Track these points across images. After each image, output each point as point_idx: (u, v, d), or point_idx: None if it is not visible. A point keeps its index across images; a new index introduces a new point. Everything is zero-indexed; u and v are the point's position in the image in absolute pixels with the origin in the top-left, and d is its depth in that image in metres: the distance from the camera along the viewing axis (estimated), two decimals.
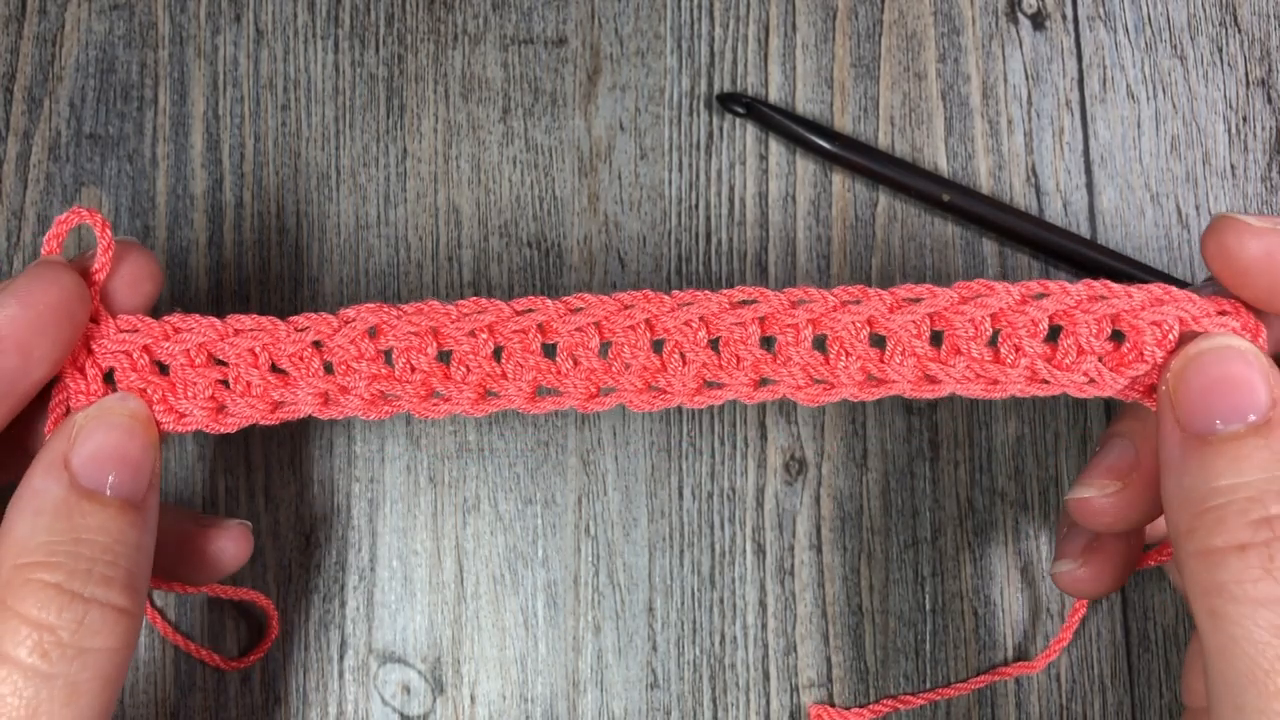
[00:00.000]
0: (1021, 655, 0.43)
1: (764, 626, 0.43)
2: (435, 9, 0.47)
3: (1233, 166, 0.46)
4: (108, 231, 0.33)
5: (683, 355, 0.34)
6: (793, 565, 0.43)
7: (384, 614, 0.43)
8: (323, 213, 0.45)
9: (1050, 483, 0.44)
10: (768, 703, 0.42)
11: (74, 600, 0.29)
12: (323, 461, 0.44)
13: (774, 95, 0.46)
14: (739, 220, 0.45)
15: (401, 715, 0.42)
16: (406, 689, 0.42)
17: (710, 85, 0.46)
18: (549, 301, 0.34)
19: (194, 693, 0.42)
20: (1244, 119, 0.46)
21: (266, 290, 0.45)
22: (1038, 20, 0.47)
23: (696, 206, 0.45)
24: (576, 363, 0.34)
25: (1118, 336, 0.33)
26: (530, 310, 0.34)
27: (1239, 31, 0.47)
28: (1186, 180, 0.46)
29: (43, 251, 0.33)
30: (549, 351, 0.34)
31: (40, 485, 0.30)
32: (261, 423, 0.34)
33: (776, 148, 0.46)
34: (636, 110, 0.46)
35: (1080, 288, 0.32)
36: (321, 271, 0.45)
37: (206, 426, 0.34)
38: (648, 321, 0.34)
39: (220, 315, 0.34)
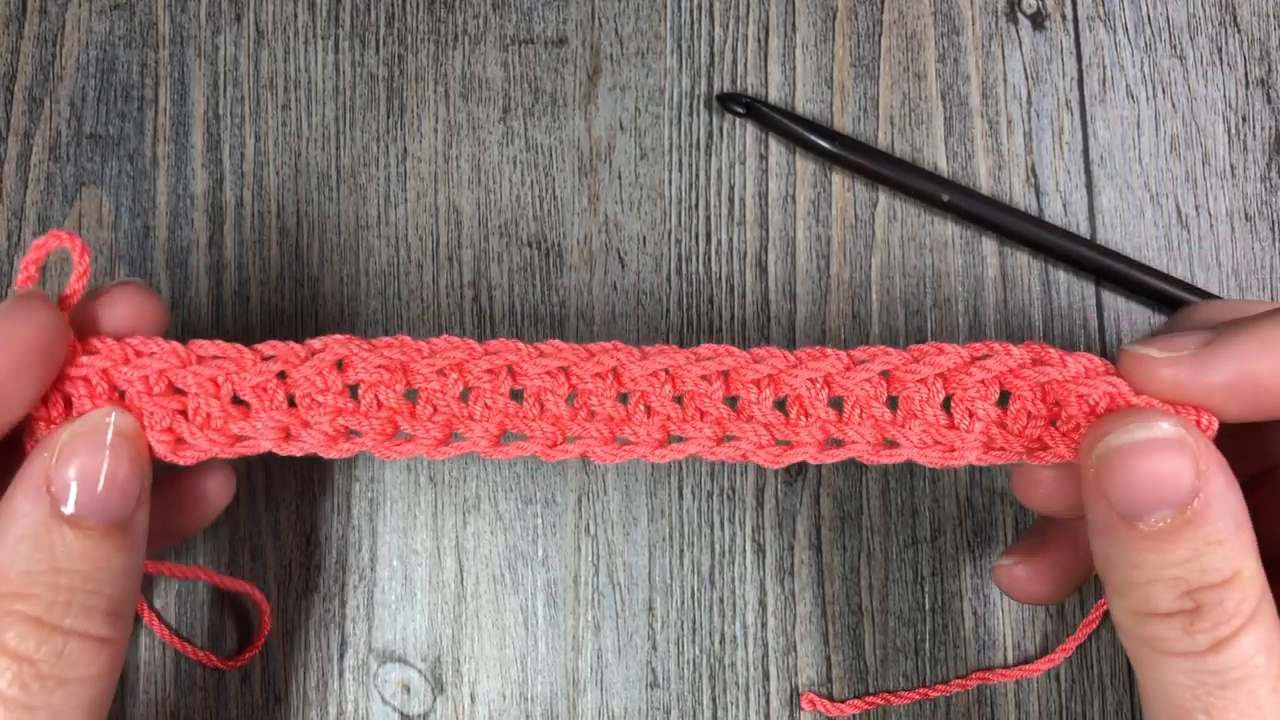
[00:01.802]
0: (1021, 655, 0.43)
1: (764, 626, 0.43)
2: (435, 9, 0.47)
3: (1232, 166, 0.46)
4: (85, 258, 0.32)
5: (647, 408, 0.34)
6: (792, 565, 0.43)
7: (384, 613, 0.43)
8: (323, 213, 0.45)
9: None
10: (767, 702, 0.42)
11: (53, 633, 0.28)
12: (323, 461, 0.44)
13: (774, 95, 0.46)
14: (739, 220, 0.45)
15: (401, 715, 0.42)
16: (406, 688, 0.43)
17: (710, 85, 0.46)
18: (521, 345, 0.34)
19: (194, 692, 0.42)
20: (1243, 119, 0.46)
21: (266, 290, 0.45)
22: (1037, 20, 0.47)
23: (696, 206, 0.45)
24: (543, 408, 0.34)
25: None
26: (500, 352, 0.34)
27: (1239, 31, 0.47)
28: (1186, 180, 0.46)
29: (17, 282, 0.32)
30: (516, 397, 0.34)
31: (20, 508, 0.29)
32: (220, 456, 0.34)
33: (776, 148, 0.46)
34: (636, 110, 0.46)
35: (1021, 351, 0.33)
36: (321, 271, 0.45)
37: (165, 457, 0.33)
38: (615, 371, 0.34)
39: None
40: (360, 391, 0.34)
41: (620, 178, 0.46)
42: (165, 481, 0.36)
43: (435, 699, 0.42)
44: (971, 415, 0.33)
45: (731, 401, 0.34)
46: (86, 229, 0.45)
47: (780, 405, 0.34)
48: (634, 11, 0.47)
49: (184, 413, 0.33)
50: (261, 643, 0.42)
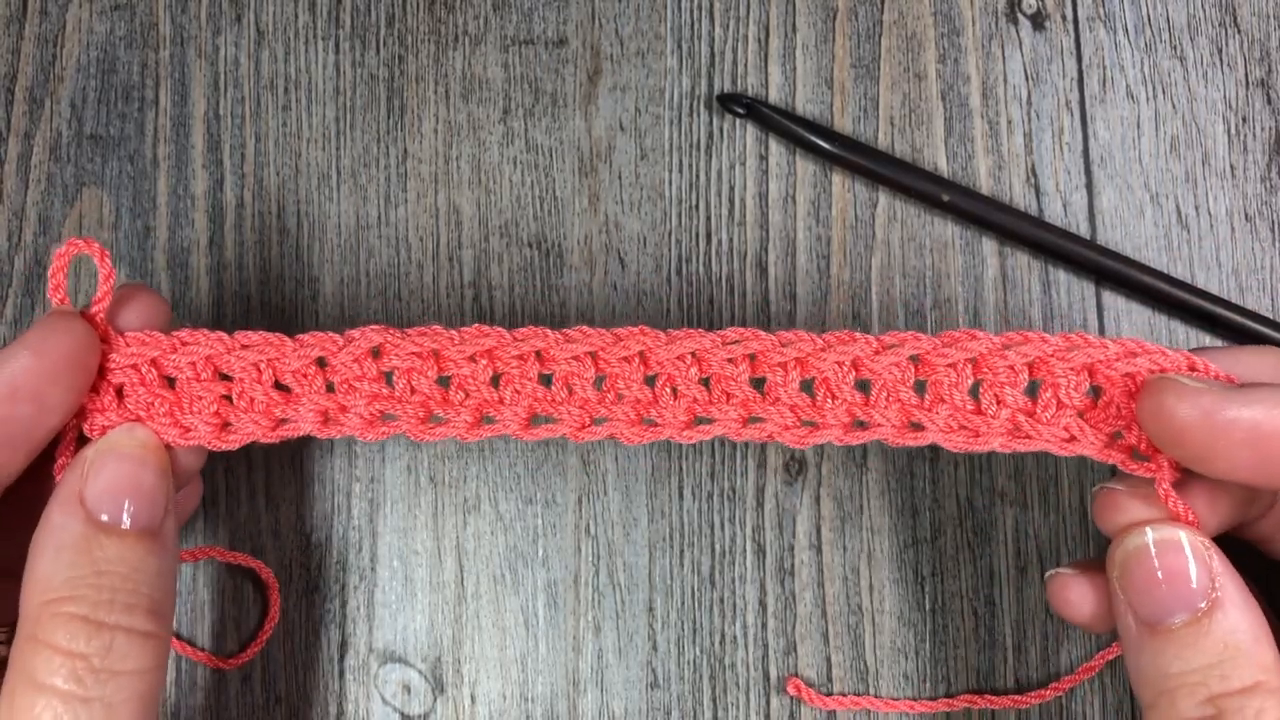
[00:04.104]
0: (1021, 655, 0.43)
1: (764, 626, 0.43)
2: (436, 10, 0.47)
3: (1232, 167, 0.46)
4: (107, 260, 0.34)
5: (674, 390, 0.35)
6: (793, 565, 0.43)
7: (384, 614, 0.43)
8: (323, 213, 0.45)
9: (1050, 482, 0.44)
10: (768, 703, 0.42)
11: (100, 629, 0.30)
12: (323, 461, 0.44)
13: (774, 96, 0.46)
14: (739, 220, 0.45)
15: (402, 715, 0.42)
16: (407, 688, 0.43)
17: (710, 86, 0.46)
18: (549, 332, 0.35)
19: (194, 692, 0.42)
20: (1243, 119, 0.46)
21: (267, 290, 0.45)
22: (1037, 21, 0.47)
23: (696, 207, 0.45)
24: (571, 391, 0.35)
25: (1098, 393, 0.33)
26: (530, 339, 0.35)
27: (1239, 32, 0.47)
28: (1186, 180, 0.46)
29: (49, 291, 0.34)
30: (545, 381, 0.35)
31: (58, 521, 0.31)
32: (263, 440, 0.35)
33: (776, 148, 0.46)
34: (637, 111, 0.46)
35: (1057, 338, 0.33)
36: (321, 271, 0.45)
37: (209, 442, 0.35)
38: (642, 355, 0.34)
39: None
40: (395, 378, 0.35)
41: (620, 178, 0.46)
42: None
43: (435, 699, 0.42)
44: (999, 402, 0.34)
45: (758, 384, 0.35)
46: (87, 229, 0.45)
47: (807, 387, 0.34)
48: (634, 12, 0.47)
49: (228, 398, 0.35)
50: (271, 628, 0.42)
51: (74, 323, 0.33)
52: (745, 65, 0.46)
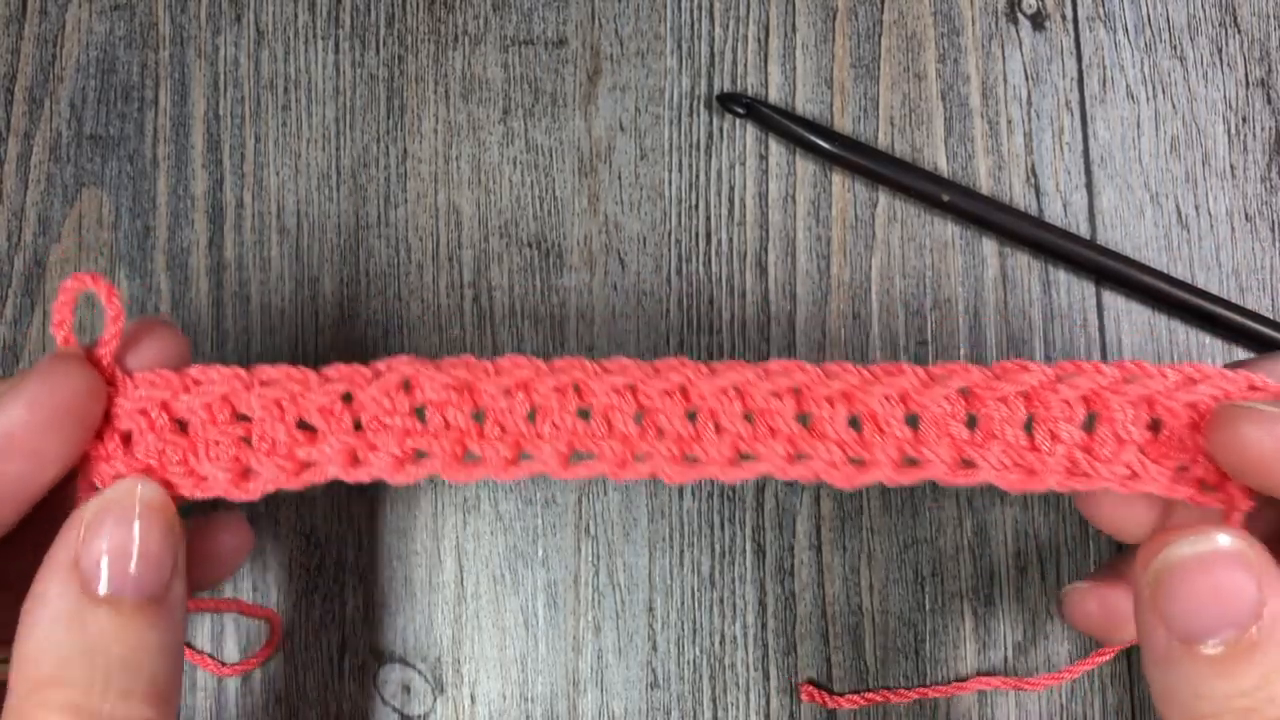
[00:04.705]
0: (1021, 655, 0.43)
1: (764, 626, 0.43)
2: (435, 10, 0.47)
3: (1232, 167, 0.46)
4: (115, 300, 0.31)
5: (717, 425, 0.33)
6: (793, 565, 0.43)
7: (384, 614, 0.43)
8: (323, 213, 0.45)
9: None
10: (768, 703, 0.42)
11: (93, 719, 0.27)
12: None
13: (774, 95, 0.46)
14: (739, 220, 0.45)
15: (401, 715, 0.42)
16: (406, 689, 0.43)
17: (710, 85, 0.46)
18: (587, 363, 0.33)
19: (195, 693, 0.42)
20: (1244, 119, 0.46)
21: (266, 290, 0.45)
22: (1037, 20, 0.47)
23: (696, 207, 0.45)
24: (611, 427, 0.33)
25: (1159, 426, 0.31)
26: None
27: (1239, 32, 0.47)
28: (1186, 181, 0.46)
29: (53, 328, 0.31)
30: (583, 415, 0.33)
31: (50, 591, 0.28)
32: (286, 487, 0.32)
33: (776, 148, 0.46)
34: (636, 111, 0.46)
35: (1112, 368, 0.31)
36: (321, 271, 0.45)
37: (227, 492, 0.32)
38: (683, 388, 0.33)
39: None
40: (427, 413, 0.33)
41: (620, 178, 0.46)
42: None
43: (435, 699, 0.42)
44: (1054, 438, 0.32)
45: (804, 419, 0.33)
46: (86, 229, 0.45)
47: (854, 423, 0.33)
48: (634, 12, 0.47)
49: (248, 440, 0.32)
50: (265, 658, 0.42)
51: (75, 368, 0.30)
52: (745, 65, 0.46)
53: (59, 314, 0.31)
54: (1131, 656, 0.43)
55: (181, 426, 0.32)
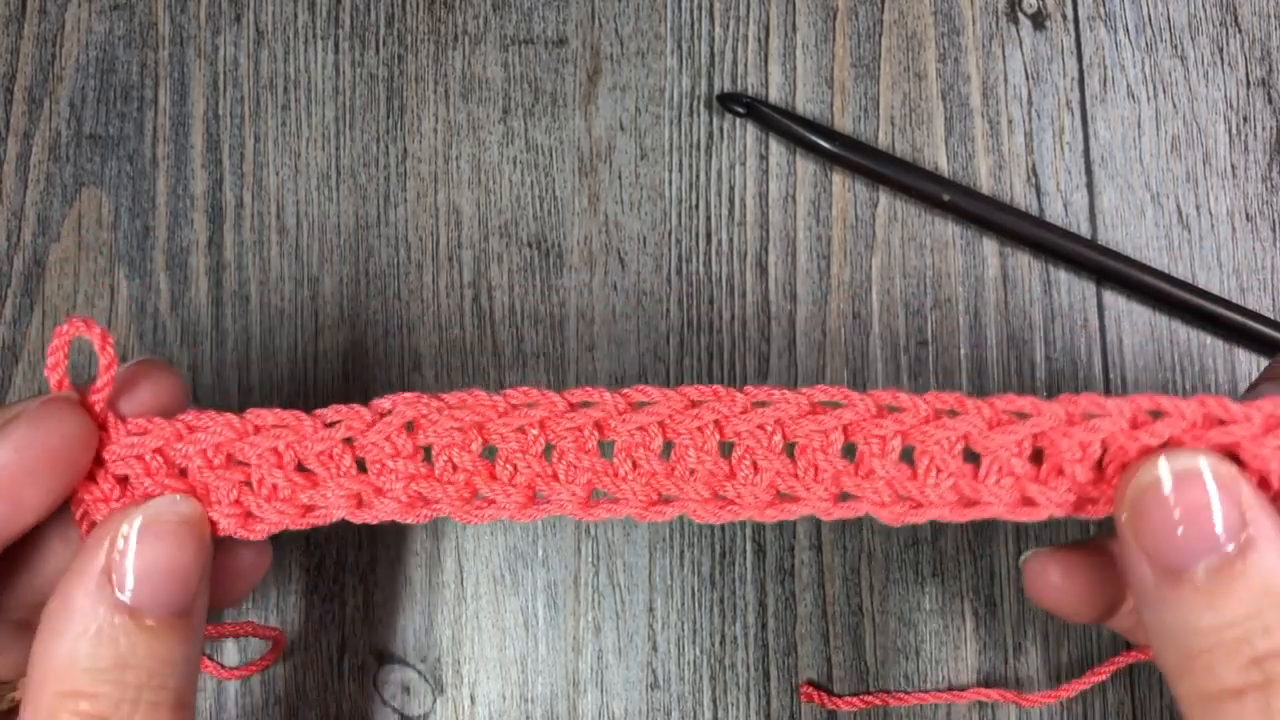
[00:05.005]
0: (1021, 656, 0.43)
1: (764, 626, 0.43)
2: (435, 9, 0.47)
3: (1233, 166, 0.46)
4: (109, 348, 0.30)
5: (754, 463, 0.30)
6: (793, 565, 0.43)
7: (384, 614, 0.43)
8: (323, 213, 0.45)
9: None
10: (768, 703, 0.42)
11: None
12: None
13: (774, 95, 0.46)
14: (739, 220, 0.45)
15: (401, 715, 0.42)
16: (406, 689, 0.42)
17: (710, 85, 0.46)
18: (608, 394, 0.30)
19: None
20: (1244, 119, 0.46)
21: (266, 290, 0.45)
22: (1038, 20, 0.47)
23: (696, 206, 0.45)
24: (636, 465, 0.31)
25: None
26: (586, 404, 0.31)
27: (1239, 31, 0.47)
28: (1187, 180, 0.46)
29: (47, 370, 0.31)
30: (605, 450, 0.31)
31: (80, 603, 0.28)
32: (292, 528, 0.31)
33: (776, 148, 0.46)
34: (636, 110, 0.46)
35: (1193, 405, 0.28)
36: (321, 271, 0.45)
37: (235, 533, 0.31)
38: (716, 423, 0.30)
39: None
40: (434, 453, 0.31)
41: (620, 178, 0.46)
42: None
43: (435, 700, 0.42)
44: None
45: (849, 450, 0.30)
46: (86, 229, 0.45)
47: (907, 456, 0.30)
48: (634, 11, 0.47)
49: (249, 483, 0.31)
50: (264, 666, 0.41)
51: (66, 413, 0.29)
52: (745, 65, 0.46)
53: (53, 357, 0.30)
54: None
55: (181, 471, 0.31)
